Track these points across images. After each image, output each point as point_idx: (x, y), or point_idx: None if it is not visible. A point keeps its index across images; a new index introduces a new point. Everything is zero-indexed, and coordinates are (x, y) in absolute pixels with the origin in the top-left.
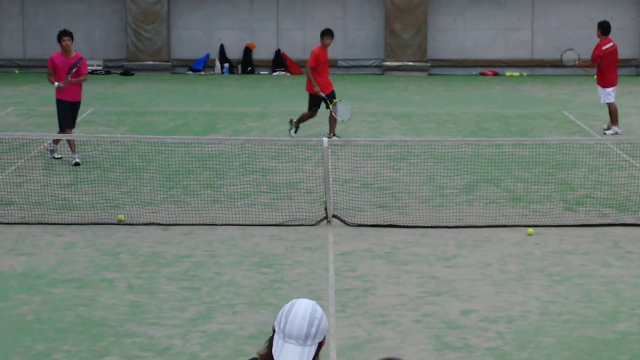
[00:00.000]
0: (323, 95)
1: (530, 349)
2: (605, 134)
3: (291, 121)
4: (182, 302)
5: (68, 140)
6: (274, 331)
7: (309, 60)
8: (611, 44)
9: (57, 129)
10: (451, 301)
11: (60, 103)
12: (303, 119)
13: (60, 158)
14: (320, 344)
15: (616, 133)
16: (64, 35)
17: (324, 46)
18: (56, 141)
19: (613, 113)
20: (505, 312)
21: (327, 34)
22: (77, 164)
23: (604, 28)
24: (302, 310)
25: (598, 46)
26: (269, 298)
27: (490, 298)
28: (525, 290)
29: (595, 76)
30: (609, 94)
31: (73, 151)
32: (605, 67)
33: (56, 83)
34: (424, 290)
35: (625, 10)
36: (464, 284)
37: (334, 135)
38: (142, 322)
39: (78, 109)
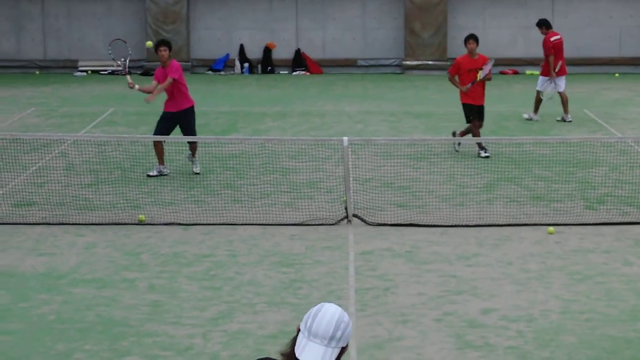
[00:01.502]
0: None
1: (551, 347)
2: (537, 120)
3: (454, 133)
4: (203, 301)
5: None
6: (298, 331)
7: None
8: (558, 36)
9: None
10: (472, 300)
11: (162, 113)
12: (468, 131)
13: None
14: (343, 349)
15: (564, 120)
16: (161, 45)
17: (469, 52)
18: (160, 160)
19: (565, 101)
20: (525, 311)
21: (469, 38)
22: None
23: (547, 24)
24: (330, 312)
25: (547, 40)
26: (290, 297)
27: (510, 297)
28: (546, 289)
29: (541, 68)
30: (560, 84)
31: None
32: (556, 58)
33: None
34: (445, 289)
35: None
36: (485, 282)
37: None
38: (162, 322)
39: (183, 119)
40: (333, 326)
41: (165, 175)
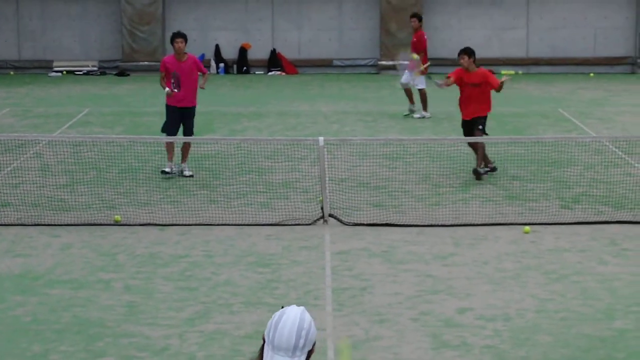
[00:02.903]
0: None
1: (527, 346)
2: (413, 117)
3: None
4: (179, 302)
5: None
6: (264, 340)
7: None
8: (425, 33)
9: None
10: (448, 299)
11: (168, 108)
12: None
13: (172, 173)
14: (310, 352)
15: (423, 117)
16: (177, 36)
17: (463, 66)
18: (170, 155)
19: (424, 98)
20: (501, 310)
21: (461, 53)
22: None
23: (421, 18)
24: (290, 322)
25: (423, 35)
26: (266, 298)
27: (486, 296)
28: (522, 288)
29: (410, 63)
30: (423, 80)
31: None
32: (425, 54)
33: (167, 89)
34: (421, 289)
35: (620, 9)
36: (461, 282)
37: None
38: (139, 323)
39: (187, 117)
40: (294, 337)
41: (173, 174)
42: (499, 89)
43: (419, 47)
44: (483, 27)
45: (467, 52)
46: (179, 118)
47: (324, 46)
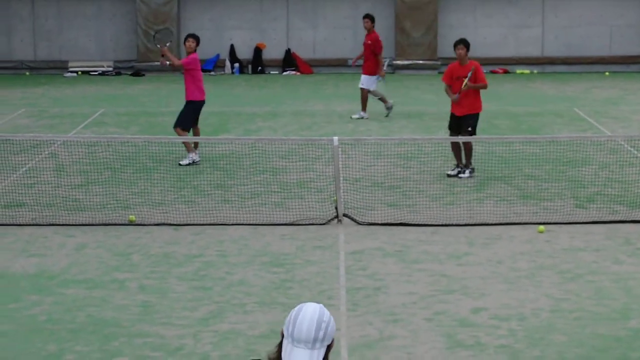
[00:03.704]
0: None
1: (541, 346)
2: (352, 117)
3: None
4: (193, 302)
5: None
6: (282, 335)
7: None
8: (379, 35)
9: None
10: (462, 299)
11: (194, 104)
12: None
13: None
14: (329, 347)
15: (361, 117)
16: (189, 37)
17: (459, 59)
18: (191, 148)
19: (365, 99)
20: (516, 310)
21: (457, 43)
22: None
23: (374, 19)
24: (309, 314)
25: (377, 37)
26: (280, 297)
27: (501, 296)
28: (536, 287)
29: (363, 64)
30: (374, 82)
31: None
32: (377, 56)
33: None
34: (435, 289)
35: (636, 6)
36: (475, 282)
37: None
38: (153, 322)
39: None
40: (314, 329)
41: (197, 163)
42: (474, 84)
43: (376, 49)
44: (499, 25)
45: (465, 43)
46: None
47: (339, 45)
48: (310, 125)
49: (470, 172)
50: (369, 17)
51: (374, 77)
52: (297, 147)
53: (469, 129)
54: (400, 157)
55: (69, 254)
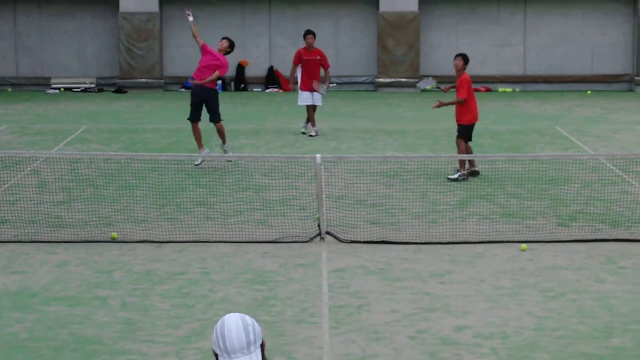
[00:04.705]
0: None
1: None
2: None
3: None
4: (176, 319)
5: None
6: (216, 356)
7: (462, 90)
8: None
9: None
10: (445, 317)
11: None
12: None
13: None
14: (262, 346)
15: (314, 133)
16: (224, 38)
17: (456, 67)
18: (199, 143)
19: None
20: (499, 328)
21: (459, 55)
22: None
23: (315, 35)
24: (233, 324)
25: (322, 53)
26: (263, 315)
27: (484, 314)
28: (519, 306)
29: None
30: (307, 98)
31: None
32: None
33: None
34: (418, 307)
35: (616, 26)
36: (458, 300)
37: None
38: (136, 340)
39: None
40: (244, 334)
41: (210, 156)
42: (455, 99)
43: (325, 64)
44: (481, 43)
45: (464, 57)
46: (200, 100)
47: None
48: (293, 142)
49: (459, 175)
50: (311, 33)
51: (307, 93)
52: (279, 164)
53: (457, 134)
54: (382, 174)
55: (51, 271)
